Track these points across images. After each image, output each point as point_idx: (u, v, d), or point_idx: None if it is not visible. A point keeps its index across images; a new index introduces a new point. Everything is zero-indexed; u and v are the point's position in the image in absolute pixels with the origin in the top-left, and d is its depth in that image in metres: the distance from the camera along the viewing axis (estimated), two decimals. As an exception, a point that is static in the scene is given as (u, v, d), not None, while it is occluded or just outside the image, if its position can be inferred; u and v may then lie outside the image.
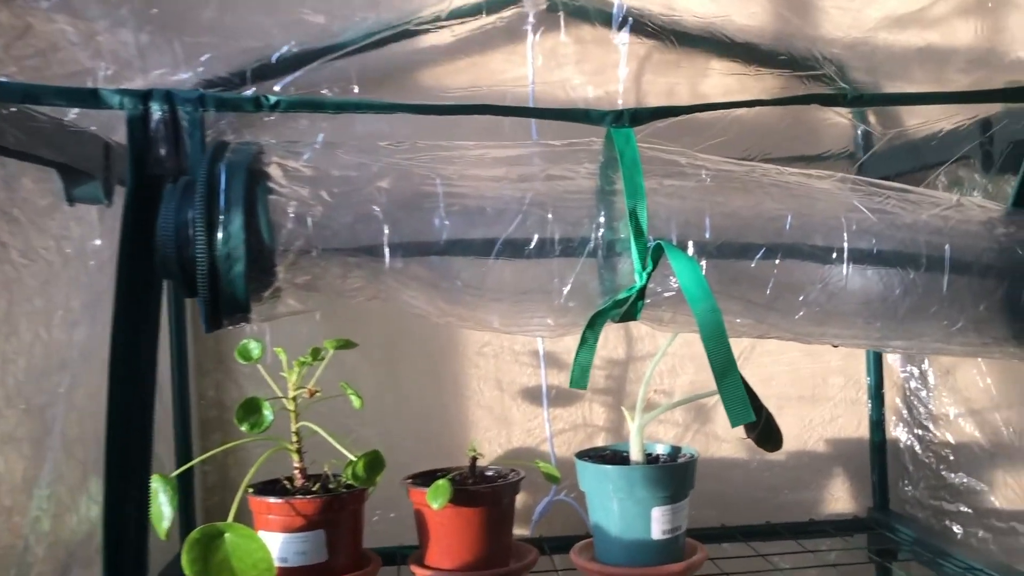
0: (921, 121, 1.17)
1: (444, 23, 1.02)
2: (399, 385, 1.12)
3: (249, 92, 0.54)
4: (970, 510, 1.01)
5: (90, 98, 0.52)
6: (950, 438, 1.06)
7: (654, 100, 1.16)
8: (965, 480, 1.02)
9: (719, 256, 0.53)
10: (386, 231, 0.49)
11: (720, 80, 1.17)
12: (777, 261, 0.53)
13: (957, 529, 1.03)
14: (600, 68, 1.14)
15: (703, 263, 0.53)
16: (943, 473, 1.06)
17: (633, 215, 0.51)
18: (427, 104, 0.55)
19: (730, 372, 0.47)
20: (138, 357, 0.53)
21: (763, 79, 1.18)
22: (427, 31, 1.05)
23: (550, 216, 0.52)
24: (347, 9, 0.92)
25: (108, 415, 0.54)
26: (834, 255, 0.53)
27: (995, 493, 0.98)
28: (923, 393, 1.10)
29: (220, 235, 0.46)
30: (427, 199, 0.51)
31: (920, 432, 1.11)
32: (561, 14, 1.07)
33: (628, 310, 0.53)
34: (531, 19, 1.08)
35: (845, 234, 0.53)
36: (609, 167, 0.53)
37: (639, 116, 0.54)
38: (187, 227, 0.46)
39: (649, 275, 0.51)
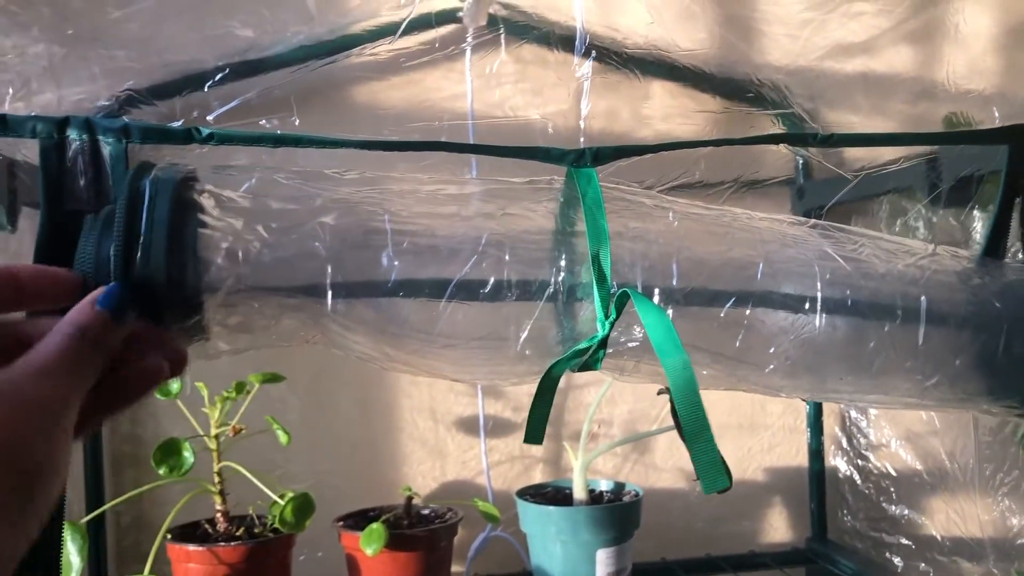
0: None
1: (378, 44, 0.98)
2: (328, 417, 1.06)
3: (179, 124, 0.49)
4: (911, 542, 1.01)
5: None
6: (890, 468, 1.05)
7: (595, 122, 1.14)
8: (906, 511, 1.02)
9: (686, 304, 0.49)
10: (329, 270, 0.45)
11: (660, 102, 1.16)
12: (748, 310, 0.49)
13: (898, 561, 1.02)
14: (539, 88, 1.12)
15: (670, 311, 0.49)
16: (883, 504, 1.05)
17: (596, 259, 0.47)
18: (374, 140, 0.50)
19: (703, 433, 0.43)
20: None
21: (704, 102, 1.16)
22: (362, 46, 1.01)
23: (507, 257, 0.48)
24: (277, 23, 0.87)
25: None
26: (807, 305, 0.50)
27: (936, 525, 0.98)
28: (862, 422, 1.09)
29: (138, 266, 0.40)
30: (375, 236, 0.46)
31: (859, 461, 1.10)
32: (502, 33, 1.04)
33: (588, 360, 0.49)
34: (470, 37, 1.04)
35: (819, 283, 0.51)
36: (570, 207, 0.50)
37: (601, 155, 0.51)
38: (105, 264, 0.40)
39: (612, 324, 0.47)
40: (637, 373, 0.51)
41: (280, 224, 0.44)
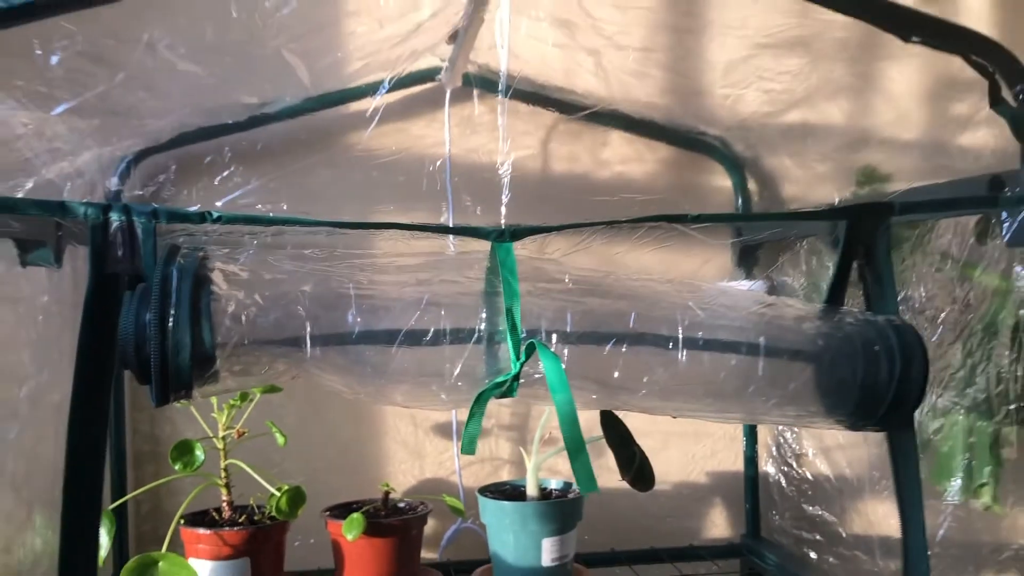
0: (795, 188, 1.33)
1: (367, 99, 1.13)
2: (321, 422, 1.22)
3: (194, 208, 0.64)
4: (823, 539, 1.16)
5: (60, 209, 0.62)
6: (808, 474, 1.20)
7: (558, 165, 1.29)
8: (820, 512, 1.17)
9: (578, 343, 0.65)
10: (308, 326, 0.61)
11: (618, 149, 1.31)
12: (623, 348, 0.65)
13: (813, 555, 1.17)
14: (510, 136, 1.27)
15: (566, 350, 0.65)
16: (803, 505, 1.21)
17: (509, 313, 0.63)
18: (346, 222, 0.65)
19: (581, 451, 0.59)
20: (95, 420, 0.63)
21: (657, 149, 1.31)
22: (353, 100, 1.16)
23: (443, 312, 0.64)
24: (278, 92, 1.02)
25: (66, 468, 0.63)
26: (671, 344, 0.66)
27: (842, 524, 1.13)
28: (788, 433, 1.25)
29: (170, 331, 0.56)
30: (342, 299, 0.62)
31: (785, 468, 1.25)
32: (475, 90, 1.19)
33: (507, 390, 0.65)
34: (448, 93, 1.20)
35: (679, 328, 0.66)
36: (493, 272, 0.65)
37: (518, 233, 0.66)
38: (145, 328, 0.56)
39: (522, 364, 0.63)
40: (546, 399, 0.67)
41: (271, 292, 0.60)
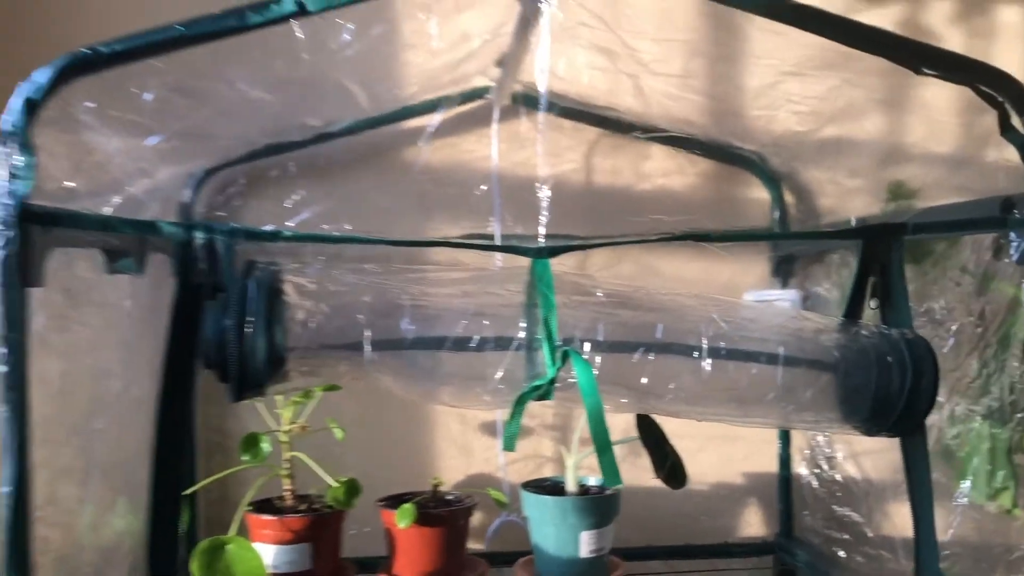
0: (831, 201, 1.38)
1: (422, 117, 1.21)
2: (376, 420, 1.30)
3: (268, 227, 0.72)
4: (851, 538, 1.21)
5: (150, 228, 0.71)
6: (838, 477, 1.25)
7: (601, 178, 1.35)
8: (848, 513, 1.22)
9: (610, 351, 0.72)
10: (367, 333, 0.68)
11: (660, 163, 1.37)
12: (651, 357, 0.72)
13: (842, 554, 1.22)
14: (554, 150, 1.34)
15: (598, 357, 0.72)
16: (833, 506, 1.26)
17: (546, 323, 0.70)
18: (400, 240, 0.73)
19: (607, 448, 0.66)
20: (180, 415, 0.72)
21: (697, 163, 1.37)
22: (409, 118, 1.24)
23: (487, 322, 0.71)
24: (340, 115, 1.10)
25: (154, 456, 0.72)
26: (696, 353, 0.73)
27: (869, 525, 1.18)
28: (820, 437, 1.29)
29: (248, 338, 0.65)
30: (397, 309, 0.70)
31: (817, 470, 1.30)
32: (522, 107, 1.26)
33: (544, 392, 0.72)
34: (496, 111, 1.27)
35: (704, 338, 0.73)
36: (532, 286, 0.72)
37: (555, 250, 0.73)
38: (225, 333, 0.64)
39: (557, 370, 0.70)
40: (578, 402, 0.73)
41: (335, 302, 0.68)
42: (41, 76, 0.66)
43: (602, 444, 0.66)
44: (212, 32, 0.68)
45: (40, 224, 0.67)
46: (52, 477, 0.80)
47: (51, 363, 0.79)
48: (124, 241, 0.84)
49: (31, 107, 0.66)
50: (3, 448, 0.65)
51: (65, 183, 0.76)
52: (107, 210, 0.91)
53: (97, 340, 0.91)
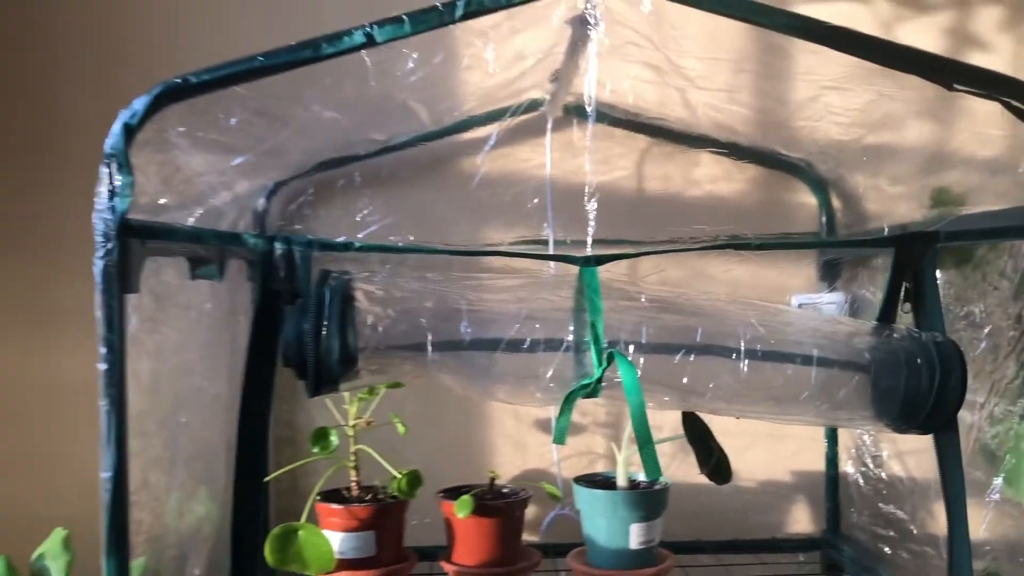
0: (877, 206, 1.40)
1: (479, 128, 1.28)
2: (436, 416, 1.37)
3: (341, 239, 0.79)
4: (896, 535, 1.24)
5: (235, 240, 0.78)
6: (883, 475, 1.28)
7: (652, 185, 1.40)
8: (893, 510, 1.25)
9: (653, 353, 0.78)
10: (429, 336, 0.75)
11: (709, 169, 1.41)
12: (692, 358, 0.77)
13: (887, 550, 1.26)
14: (606, 158, 1.39)
15: (642, 358, 0.77)
16: (878, 504, 1.29)
17: (593, 327, 0.76)
18: (458, 249, 0.79)
19: (648, 443, 0.72)
20: (260, 409, 0.79)
21: (746, 169, 1.41)
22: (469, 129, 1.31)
23: (538, 325, 0.77)
24: (403, 130, 1.18)
25: (238, 447, 0.79)
26: (734, 355, 0.78)
27: (913, 522, 1.21)
28: (866, 436, 1.33)
29: (323, 339, 0.72)
30: (456, 313, 0.76)
31: (863, 469, 1.33)
32: (574, 118, 1.32)
33: (591, 391, 0.78)
34: (550, 122, 1.33)
35: (742, 341, 0.78)
36: (580, 292, 0.78)
37: (601, 260, 0.79)
38: (303, 335, 0.72)
39: (603, 370, 0.76)
40: (624, 400, 0.79)
41: (400, 307, 0.74)
42: (138, 103, 0.74)
43: (643, 439, 0.71)
44: (289, 62, 0.74)
45: (137, 237, 0.74)
46: (144, 465, 0.88)
47: (143, 362, 0.86)
48: (208, 250, 0.92)
49: (129, 131, 0.73)
50: (103, 438, 0.73)
51: (159, 200, 0.84)
52: (191, 221, 0.99)
53: (181, 341, 0.98)
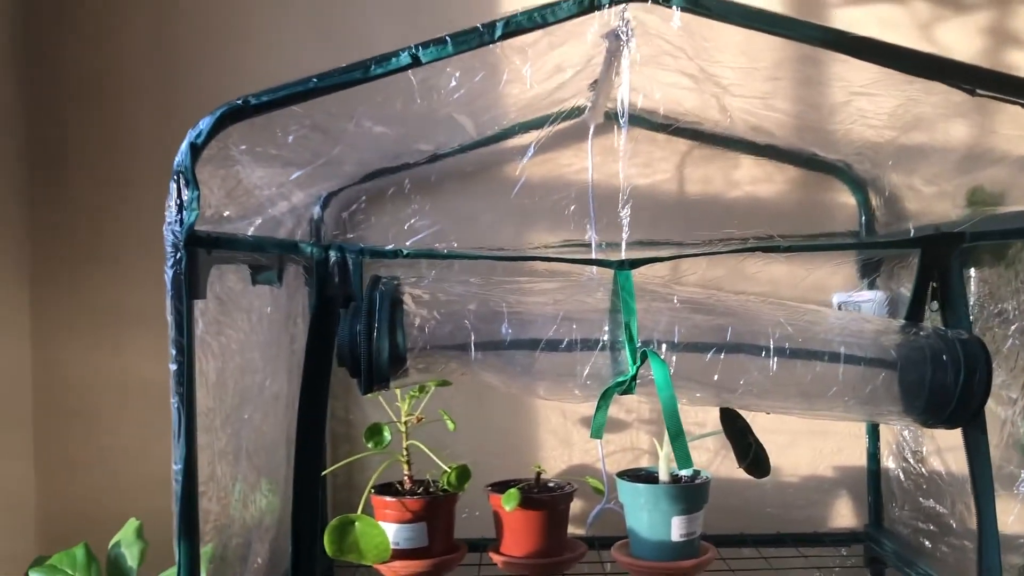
0: (916, 205, 1.42)
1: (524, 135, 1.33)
2: (484, 412, 1.42)
3: (390, 247, 0.85)
4: (936, 529, 1.26)
5: (293, 248, 0.84)
6: (924, 471, 1.30)
7: (692, 187, 1.44)
8: (933, 505, 1.27)
9: (684, 351, 0.82)
10: (472, 336, 0.80)
11: (749, 171, 1.44)
12: (722, 356, 0.81)
13: (928, 544, 1.27)
14: (648, 162, 1.43)
15: (674, 356, 0.82)
16: (919, 499, 1.31)
17: (627, 327, 0.81)
18: (500, 255, 0.84)
19: (680, 436, 0.76)
20: (317, 406, 0.85)
21: (786, 170, 1.44)
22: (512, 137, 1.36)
23: (575, 326, 0.82)
24: (449, 141, 1.23)
25: (297, 441, 0.85)
26: (763, 353, 0.81)
27: (952, 516, 1.23)
28: (907, 433, 1.35)
29: (375, 340, 0.77)
30: (498, 315, 0.81)
31: (905, 464, 1.35)
32: (615, 124, 1.36)
33: (626, 388, 0.82)
34: (592, 127, 1.37)
35: (771, 339, 0.81)
36: (615, 294, 0.83)
37: (635, 263, 0.83)
38: (356, 336, 0.77)
39: (637, 368, 0.80)
40: (656, 396, 0.83)
41: (446, 310, 0.80)
42: (203, 123, 0.80)
43: (675, 431, 0.76)
44: (341, 83, 0.80)
45: (203, 247, 0.81)
46: (211, 459, 0.95)
47: (209, 362, 0.93)
48: (268, 258, 0.99)
49: (195, 149, 0.80)
50: (175, 433, 0.79)
51: (222, 212, 0.90)
52: (251, 230, 1.05)
53: (244, 342, 1.05)
